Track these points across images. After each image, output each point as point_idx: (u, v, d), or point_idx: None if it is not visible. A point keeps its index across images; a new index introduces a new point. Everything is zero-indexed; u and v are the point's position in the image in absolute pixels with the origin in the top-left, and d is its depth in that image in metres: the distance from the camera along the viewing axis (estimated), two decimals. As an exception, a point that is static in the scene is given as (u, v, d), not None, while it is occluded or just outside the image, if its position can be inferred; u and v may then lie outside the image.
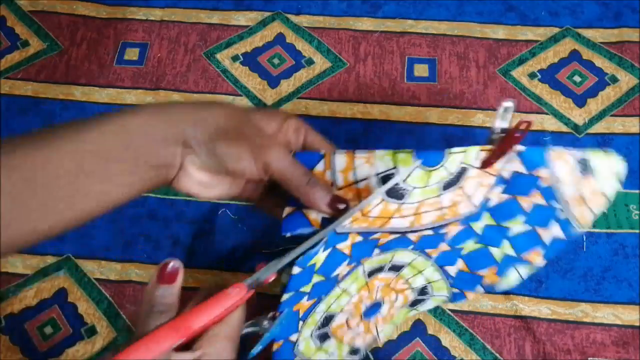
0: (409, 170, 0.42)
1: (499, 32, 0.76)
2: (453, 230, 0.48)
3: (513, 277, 0.53)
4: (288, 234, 0.43)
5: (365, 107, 0.72)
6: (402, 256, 0.49)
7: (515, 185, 0.47)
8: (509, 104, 0.44)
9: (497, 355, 0.57)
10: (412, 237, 0.46)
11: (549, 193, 0.47)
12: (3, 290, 0.62)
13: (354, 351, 0.54)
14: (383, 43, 0.76)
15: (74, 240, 0.64)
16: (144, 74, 0.75)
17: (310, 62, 0.75)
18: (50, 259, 0.64)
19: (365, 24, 0.78)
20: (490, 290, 0.58)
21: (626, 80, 0.72)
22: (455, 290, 0.55)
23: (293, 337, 0.47)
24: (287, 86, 0.74)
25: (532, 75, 0.73)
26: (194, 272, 0.63)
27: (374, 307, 0.53)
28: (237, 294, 0.39)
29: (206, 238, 0.64)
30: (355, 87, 0.73)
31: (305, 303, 0.45)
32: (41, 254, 0.64)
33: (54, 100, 0.73)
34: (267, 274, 0.41)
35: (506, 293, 0.60)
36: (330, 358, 0.51)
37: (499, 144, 0.44)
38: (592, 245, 0.63)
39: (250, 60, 0.76)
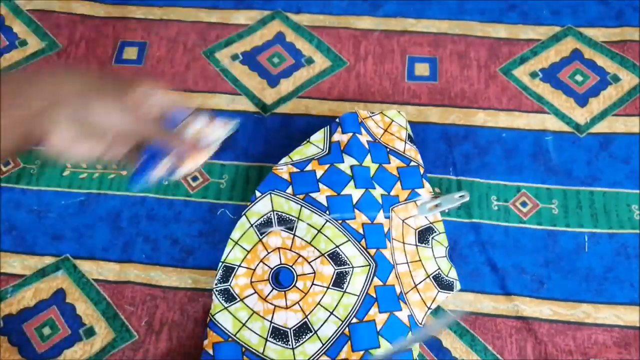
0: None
1: (500, 31, 0.76)
2: (402, 314, 0.55)
3: None
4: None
5: (366, 106, 0.71)
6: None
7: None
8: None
9: (499, 356, 0.57)
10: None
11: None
12: (1, 291, 0.62)
13: (277, 332, 0.54)
14: (383, 42, 0.76)
15: (72, 241, 0.64)
16: (143, 73, 0.75)
17: (310, 61, 0.75)
18: (48, 260, 0.63)
19: (366, 22, 0.77)
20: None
21: (628, 80, 0.72)
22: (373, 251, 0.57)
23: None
24: (286, 85, 0.73)
25: (533, 75, 0.73)
26: (192, 272, 0.62)
27: (284, 274, 0.56)
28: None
29: (205, 238, 0.64)
30: (355, 86, 0.73)
31: None
32: (39, 255, 0.63)
33: (52, 99, 0.73)
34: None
35: (507, 294, 0.60)
36: (252, 334, 0.54)
37: None
38: (594, 245, 0.62)
39: (249, 59, 0.76)
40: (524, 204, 0.65)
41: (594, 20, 0.76)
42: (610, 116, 0.70)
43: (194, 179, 0.68)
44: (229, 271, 0.56)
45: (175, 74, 0.75)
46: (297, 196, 0.58)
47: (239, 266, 0.57)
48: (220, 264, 0.57)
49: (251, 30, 0.78)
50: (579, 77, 0.72)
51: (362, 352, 0.53)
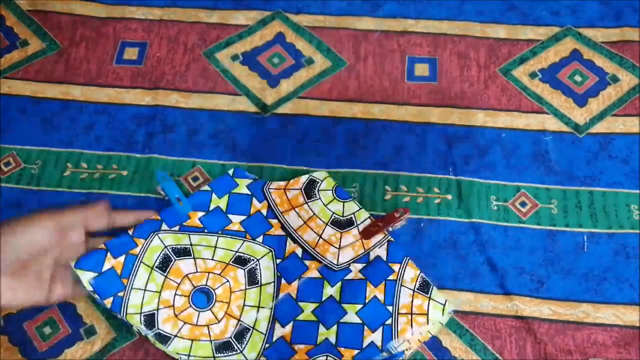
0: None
1: (500, 31, 0.76)
2: (312, 272, 0.59)
3: None
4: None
5: (366, 106, 0.72)
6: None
7: (373, 269, 0.59)
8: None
9: (498, 356, 0.57)
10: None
11: (390, 290, 0.58)
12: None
13: (222, 346, 0.56)
14: (383, 42, 0.76)
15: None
16: (143, 74, 0.75)
17: (310, 61, 0.75)
18: (49, 259, 0.63)
19: (366, 23, 0.78)
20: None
21: (627, 80, 0.72)
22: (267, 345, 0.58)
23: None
24: (286, 86, 0.73)
25: (532, 75, 0.73)
26: (193, 272, 0.63)
27: (203, 294, 0.58)
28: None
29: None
30: (355, 86, 0.73)
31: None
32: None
33: (53, 100, 0.73)
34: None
35: (507, 293, 0.60)
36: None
37: (383, 219, 0.61)
38: (593, 245, 0.62)
39: (249, 59, 0.76)
40: (523, 204, 0.65)
41: (594, 20, 0.76)
42: (609, 116, 0.70)
43: (195, 179, 0.68)
44: (151, 318, 0.56)
45: (175, 74, 0.75)
46: (173, 228, 0.60)
47: (158, 310, 0.57)
48: (139, 315, 0.56)
49: (251, 30, 0.78)
50: (578, 78, 0.73)
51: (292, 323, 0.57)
